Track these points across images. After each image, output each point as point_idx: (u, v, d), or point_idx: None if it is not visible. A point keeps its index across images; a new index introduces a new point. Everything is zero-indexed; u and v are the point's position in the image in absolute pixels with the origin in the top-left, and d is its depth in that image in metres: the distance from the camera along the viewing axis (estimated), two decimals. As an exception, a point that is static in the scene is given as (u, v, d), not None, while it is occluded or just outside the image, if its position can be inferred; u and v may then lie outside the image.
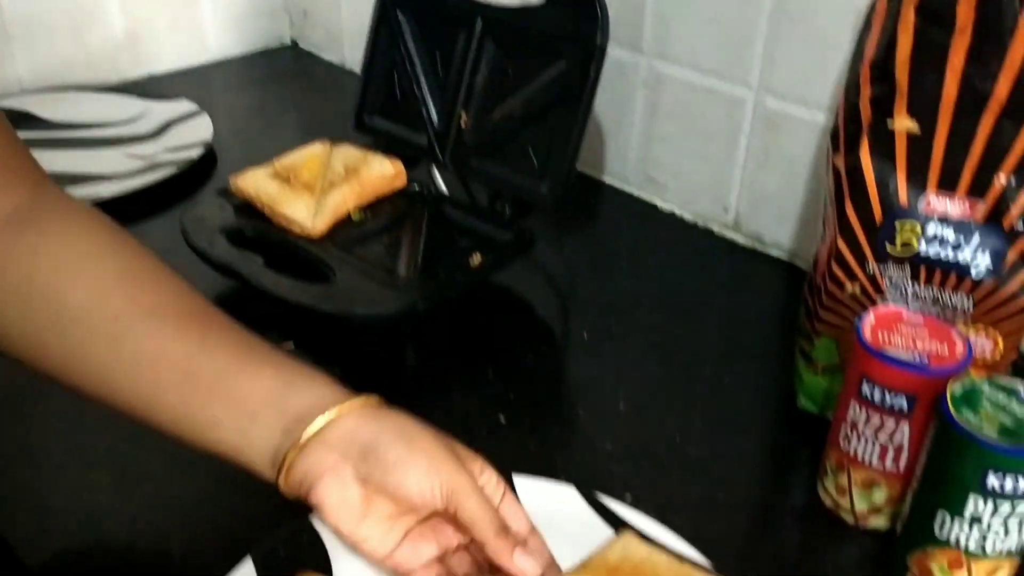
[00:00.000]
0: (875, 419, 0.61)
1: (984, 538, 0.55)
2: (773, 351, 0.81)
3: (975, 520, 0.55)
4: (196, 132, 1.13)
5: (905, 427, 0.60)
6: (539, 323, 0.88)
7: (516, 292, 0.90)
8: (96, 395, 0.54)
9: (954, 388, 0.56)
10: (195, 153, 1.07)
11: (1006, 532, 0.55)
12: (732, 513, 0.66)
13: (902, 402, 0.59)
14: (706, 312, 0.89)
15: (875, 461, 0.62)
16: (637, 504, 0.62)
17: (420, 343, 0.82)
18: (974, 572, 0.57)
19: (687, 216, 1.02)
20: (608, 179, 1.09)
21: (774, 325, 0.85)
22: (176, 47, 1.36)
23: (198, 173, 1.05)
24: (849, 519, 0.65)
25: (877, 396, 0.60)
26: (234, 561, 0.56)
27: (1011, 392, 0.56)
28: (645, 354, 0.82)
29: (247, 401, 0.52)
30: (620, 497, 0.63)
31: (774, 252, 0.96)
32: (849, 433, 0.63)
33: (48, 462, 0.68)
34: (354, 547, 0.54)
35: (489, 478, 0.55)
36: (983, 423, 0.54)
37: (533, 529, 0.56)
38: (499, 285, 0.89)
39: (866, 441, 0.62)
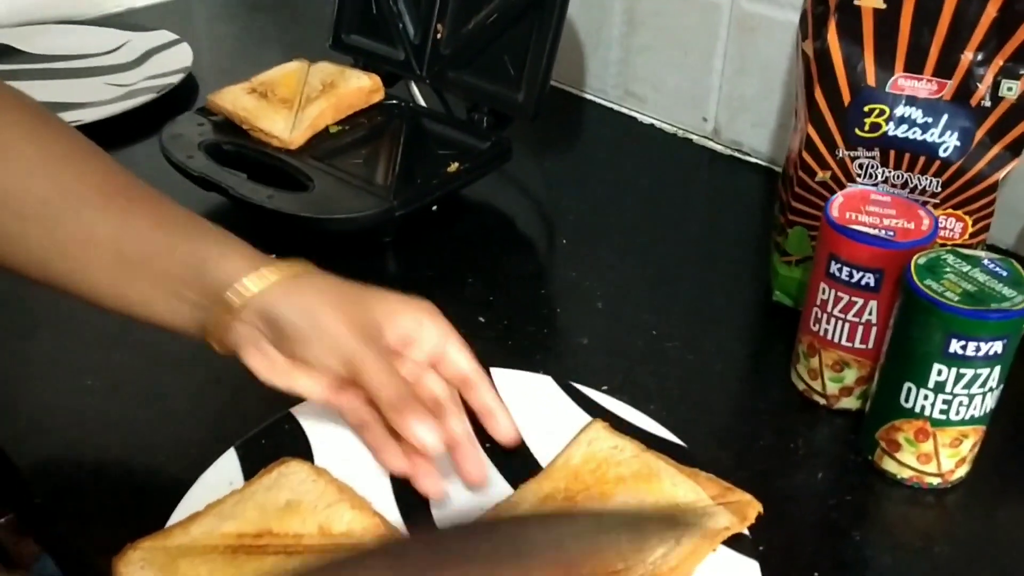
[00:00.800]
0: (844, 298, 0.61)
1: (948, 406, 0.56)
2: (752, 252, 0.82)
3: (939, 388, 0.56)
4: (176, 60, 1.13)
5: (873, 304, 0.61)
6: (519, 233, 0.89)
7: (497, 205, 0.91)
8: (37, 279, 0.55)
9: (918, 259, 0.57)
10: (175, 79, 1.07)
11: (970, 399, 0.56)
12: (707, 401, 0.68)
13: (869, 279, 0.60)
14: (686, 219, 0.90)
15: (844, 341, 0.63)
16: (613, 395, 0.63)
17: (402, 253, 0.83)
18: (939, 441, 0.58)
19: (667, 127, 1.02)
20: (588, 94, 1.09)
21: (753, 228, 0.86)
22: (155, -21, 1.35)
23: (179, 99, 1.05)
24: (821, 401, 0.66)
25: (845, 274, 0.60)
26: (219, 454, 0.58)
27: (975, 262, 0.56)
28: (623, 259, 0.83)
29: (168, 279, 0.54)
30: (596, 389, 0.64)
31: (753, 159, 0.96)
32: (819, 315, 0.63)
33: (40, 370, 0.70)
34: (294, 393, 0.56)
35: (428, 333, 0.56)
36: (946, 290, 0.54)
37: (476, 383, 0.57)
38: (480, 200, 0.90)
39: (836, 322, 0.62)
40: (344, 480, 0.57)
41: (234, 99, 0.87)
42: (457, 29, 0.90)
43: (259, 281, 0.54)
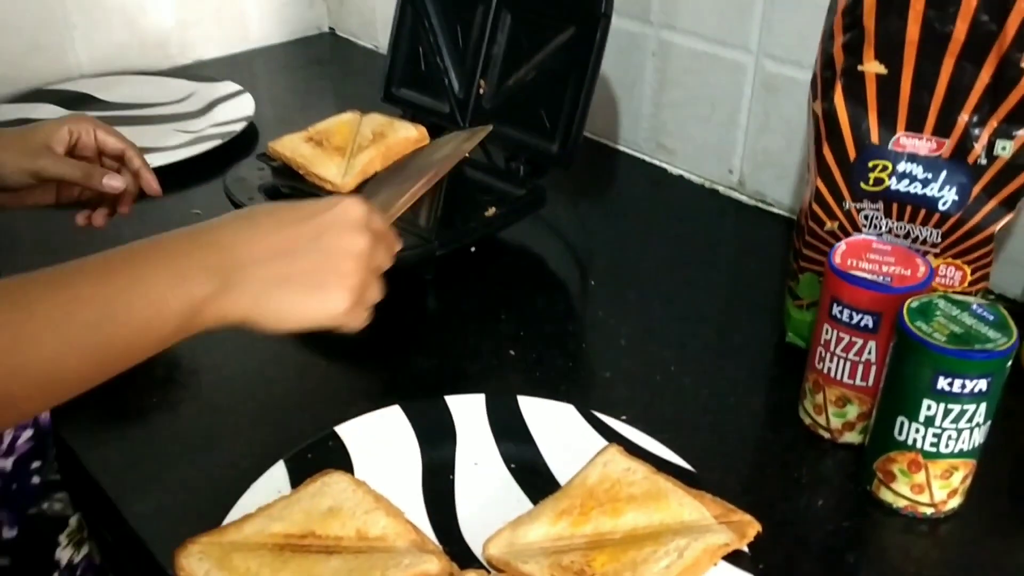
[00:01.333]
0: (845, 338, 0.66)
1: (938, 439, 0.61)
2: (770, 296, 0.87)
3: (929, 422, 0.60)
4: (239, 109, 1.22)
5: (872, 344, 0.65)
6: (551, 274, 0.95)
7: (531, 248, 0.97)
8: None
9: (911, 303, 0.62)
10: (238, 127, 1.16)
11: (958, 433, 0.60)
12: (718, 431, 0.72)
13: (868, 320, 0.65)
14: (710, 265, 0.95)
15: (846, 378, 0.67)
16: (630, 424, 0.69)
17: (441, 290, 0.89)
18: (931, 472, 0.62)
19: (695, 179, 1.08)
20: (622, 146, 1.15)
21: (773, 274, 0.91)
22: (221, 35, 1.45)
23: (241, 145, 1.14)
24: (826, 435, 0.70)
25: (846, 316, 0.65)
26: (270, 466, 0.64)
27: (964, 306, 0.61)
28: (648, 300, 0.88)
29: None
30: (615, 418, 0.69)
31: (776, 209, 1.02)
32: (823, 354, 0.68)
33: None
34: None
35: (84, 130, 0.80)
36: (935, 331, 0.59)
37: (126, 153, 0.82)
38: (516, 242, 0.96)
39: (838, 360, 0.67)
40: (381, 491, 0.63)
41: (293, 147, 0.95)
42: (499, 85, 0.97)
43: None
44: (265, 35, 1.50)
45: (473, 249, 0.92)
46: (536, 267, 0.95)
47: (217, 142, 1.12)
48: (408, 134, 0.97)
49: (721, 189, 1.06)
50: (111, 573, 0.79)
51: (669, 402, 0.75)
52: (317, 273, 0.53)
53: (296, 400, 0.60)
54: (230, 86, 1.29)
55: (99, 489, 0.66)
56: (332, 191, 0.92)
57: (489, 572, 0.58)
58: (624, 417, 0.70)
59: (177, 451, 0.70)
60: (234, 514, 0.61)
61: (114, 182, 0.79)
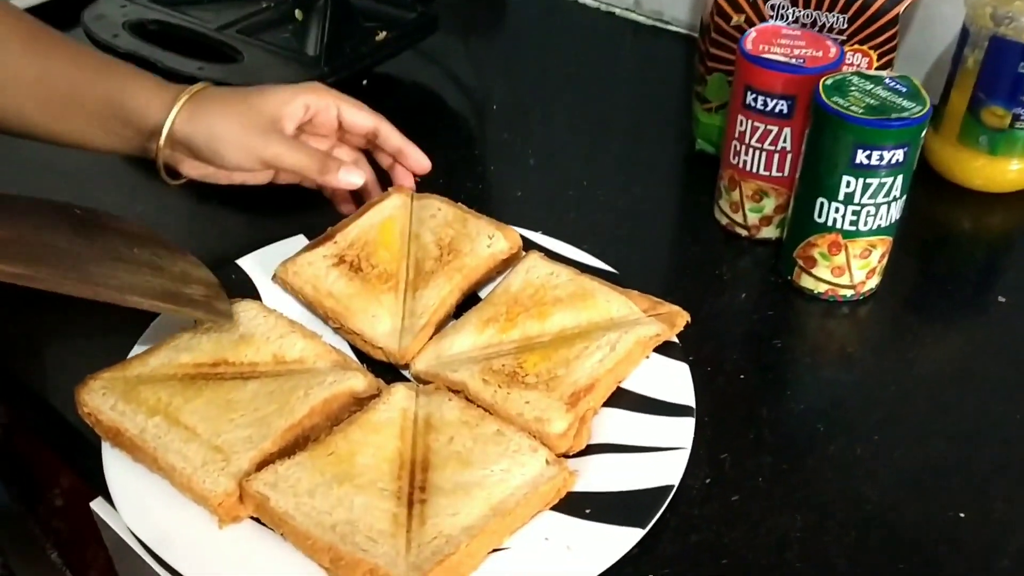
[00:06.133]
0: (760, 127, 0.65)
1: (857, 217, 0.61)
2: (674, 112, 0.85)
3: (848, 199, 0.60)
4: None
5: (787, 131, 0.64)
6: (449, 105, 0.90)
7: (426, 81, 0.92)
8: None
9: (826, 80, 0.60)
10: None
11: (876, 208, 0.60)
12: (637, 240, 0.71)
13: (783, 105, 0.63)
14: (613, 86, 0.92)
15: (762, 170, 0.66)
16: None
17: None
18: (851, 252, 0.62)
19: (590, 2, 1.04)
20: (512, -26, 1.10)
21: (677, 92, 0.89)
22: None
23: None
24: (743, 232, 0.70)
25: (760, 103, 0.64)
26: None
27: (877, 80, 0.60)
28: (553, 121, 0.85)
29: (95, 116, 0.60)
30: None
31: (674, 27, 0.99)
32: (738, 148, 0.67)
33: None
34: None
35: (318, 108, 0.64)
36: (851, 104, 0.58)
37: (381, 131, 0.67)
38: (410, 77, 0.91)
39: (753, 152, 0.66)
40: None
41: (316, 278, 0.62)
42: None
43: (166, 111, 0.59)
44: None
45: (365, 83, 0.87)
46: (433, 99, 0.91)
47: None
48: (496, 248, 0.63)
49: (618, 11, 1.02)
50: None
51: (585, 215, 0.73)
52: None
53: (192, 244, 0.56)
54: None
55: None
56: (382, 360, 0.59)
57: (418, 386, 0.56)
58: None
59: (68, 300, 0.64)
60: (137, 351, 0.56)
61: (351, 177, 0.63)
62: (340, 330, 0.60)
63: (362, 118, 0.66)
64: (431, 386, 0.55)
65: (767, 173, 0.66)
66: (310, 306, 0.61)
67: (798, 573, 0.48)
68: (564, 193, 0.75)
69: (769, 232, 0.69)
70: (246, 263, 0.64)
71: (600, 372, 0.54)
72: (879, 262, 0.64)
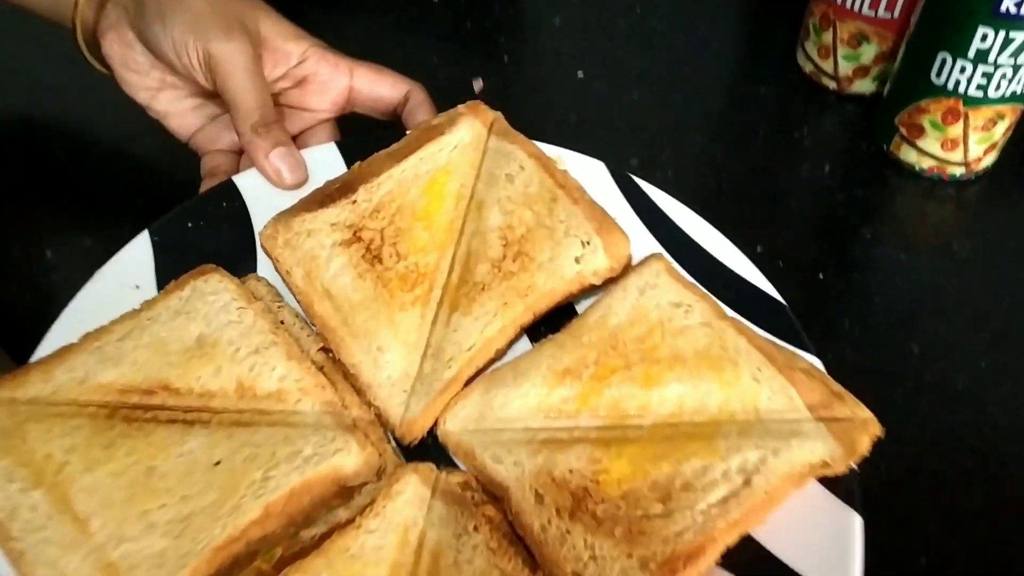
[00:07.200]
0: (871, -47, 0.51)
1: (988, 80, 0.48)
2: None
3: (981, 57, 0.47)
4: None
5: (906, -40, 0.50)
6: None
7: None
8: None
9: None
10: None
11: (1014, 71, 0.47)
12: (700, 87, 0.58)
13: (905, -75, 0.49)
14: None
15: (866, 9, 0.53)
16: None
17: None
18: (971, 123, 0.50)
19: None
20: None
21: None
22: None
23: None
24: (831, 85, 0.57)
25: (875, -79, 0.49)
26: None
27: None
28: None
29: None
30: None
31: None
32: (838, -22, 0.53)
33: None
34: (160, 121, 0.49)
35: (330, 72, 0.48)
36: (1005, -69, 0.44)
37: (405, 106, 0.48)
38: None
39: (858, -16, 0.52)
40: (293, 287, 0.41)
41: (310, 262, 0.42)
42: None
43: None
44: None
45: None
46: None
47: None
48: (588, 267, 0.41)
49: None
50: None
51: (636, 52, 0.60)
52: None
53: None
54: None
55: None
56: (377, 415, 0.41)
57: (440, 466, 0.37)
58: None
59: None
60: (55, 334, 0.38)
61: (281, 166, 0.45)
62: (329, 357, 0.40)
63: (384, 89, 0.48)
64: (456, 477, 0.37)
65: (872, 12, 0.53)
66: (298, 301, 0.41)
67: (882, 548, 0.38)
68: (615, 23, 0.62)
69: (864, 87, 0.56)
70: (245, 183, 0.45)
71: (718, 527, 0.33)
72: (1003, 136, 0.51)
